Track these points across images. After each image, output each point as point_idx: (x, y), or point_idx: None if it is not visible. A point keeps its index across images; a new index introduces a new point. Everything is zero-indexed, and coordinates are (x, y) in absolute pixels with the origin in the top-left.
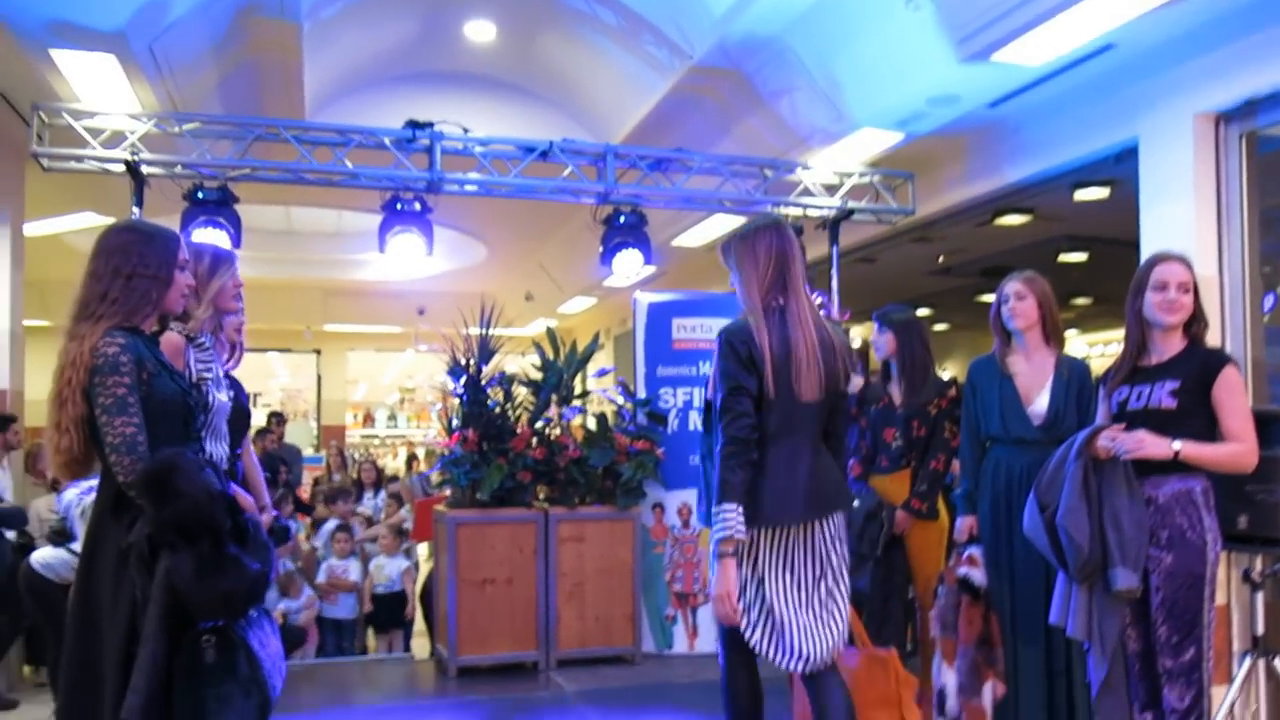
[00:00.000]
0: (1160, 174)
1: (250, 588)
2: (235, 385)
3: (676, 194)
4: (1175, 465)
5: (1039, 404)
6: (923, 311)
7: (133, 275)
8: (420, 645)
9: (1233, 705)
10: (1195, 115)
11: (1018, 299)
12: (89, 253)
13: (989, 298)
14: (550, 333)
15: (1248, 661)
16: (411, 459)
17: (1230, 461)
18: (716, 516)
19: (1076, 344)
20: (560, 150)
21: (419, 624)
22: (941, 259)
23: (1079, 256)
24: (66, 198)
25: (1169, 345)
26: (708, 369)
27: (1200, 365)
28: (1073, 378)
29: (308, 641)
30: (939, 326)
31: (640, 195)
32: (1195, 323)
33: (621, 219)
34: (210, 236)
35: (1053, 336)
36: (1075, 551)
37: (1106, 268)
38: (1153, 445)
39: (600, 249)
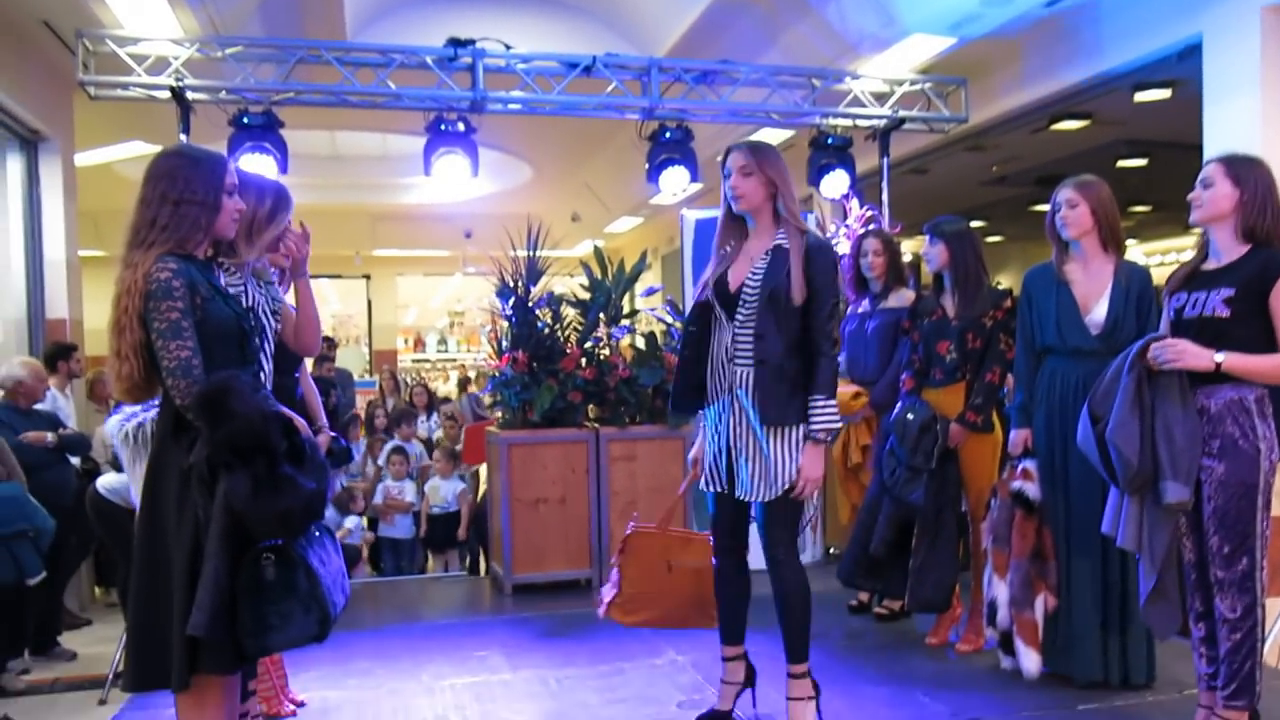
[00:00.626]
0: (1225, 71)
1: (306, 506)
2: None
3: (723, 107)
4: (1229, 375)
5: (1097, 313)
6: (976, 223)
7: (180, 201)
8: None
9: None
10: (1263, 8)
11: (1070, 206)
12: (139, 181)
13: (1044, 208)
14: (598, 252)
15: None
16: (465, 381)
17: (1277, 373)
18: (824, 410)
19: (1135, 253)
20: (604, 65)
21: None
22: (995, 168)
23: (1138, 162)
24: (115, 127)
25: (1229, 249)
26: None
27: (1259, 270)
28: (1132, 285)
29: (359, 561)
30: (993, 238)
31: (685, 110)
32: (1260, 223)
33: (667, 135)
34: (257, 163)
35: (1110, 243)
36: (1124, 466)
37: (1167, 173)
38: (1193, 356)
39: (646, 166)
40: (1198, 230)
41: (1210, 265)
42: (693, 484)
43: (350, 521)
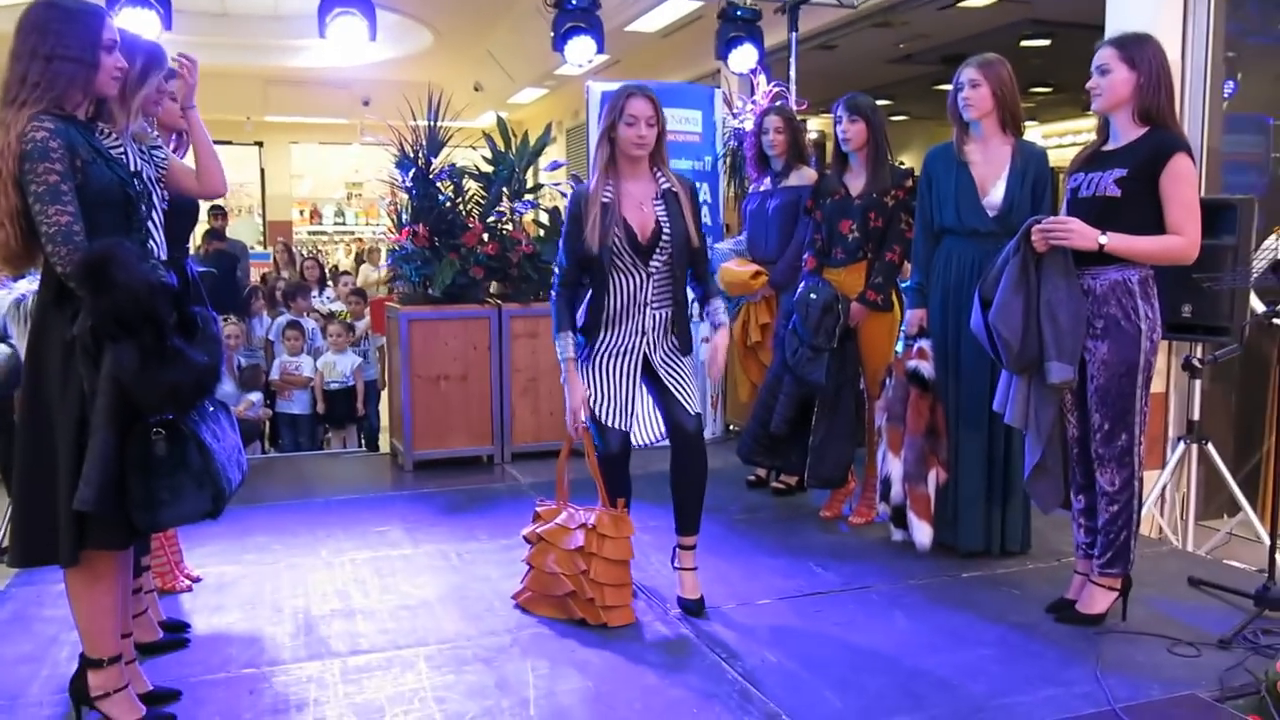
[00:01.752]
0: None
1: (197, 381)
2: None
3: None
4: (1114, 255)
5: (994, 194)
6: (881, 102)
7: (52, 57)
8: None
9: (1164, 489)
10: None
11: (972, 86)
12: (8, 33)
13: (948, 87)
14: (501, 123)
15: (1181, 447)
16: (361, 255)
17: (1162, 254)
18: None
19: (1035, 134)
20: None
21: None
22: (902, 46)
23: (1042, 43)
24: None
25: (1127, 131)
26: None
27: (1150, 152)
28: (1029, 167)
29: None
30: (897, 117)
31: None
32: (1154, 104)
33: (573, 1)
34: (138, 18)
35: (1010, 125)
36: (1006, 348)
37: (1069, 54)
38: (1079, 235)
39: (551, 35)
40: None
41: (1109, 147)
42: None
43: (253, 395)
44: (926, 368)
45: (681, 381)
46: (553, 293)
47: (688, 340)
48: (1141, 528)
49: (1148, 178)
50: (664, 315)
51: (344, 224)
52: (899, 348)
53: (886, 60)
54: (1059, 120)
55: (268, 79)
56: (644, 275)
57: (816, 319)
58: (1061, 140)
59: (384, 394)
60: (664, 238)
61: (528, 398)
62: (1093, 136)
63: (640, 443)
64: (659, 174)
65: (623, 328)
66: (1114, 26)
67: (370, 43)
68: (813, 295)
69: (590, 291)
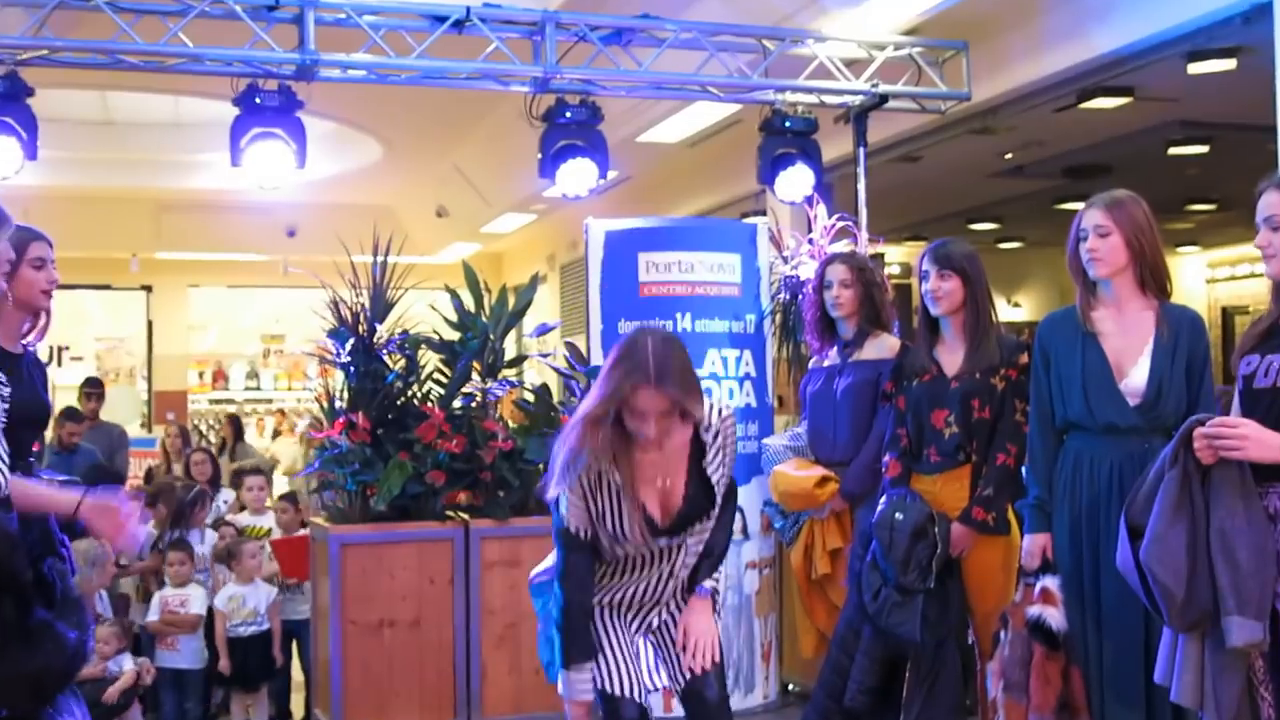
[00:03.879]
0: None
1: (67, 666)
2: (33, 366)
3: (643, 77)
4: None
5: (1135, 376)
6: (984, 226)
7: None
8: (300, 704)
9: None
10: None
11: (1099, 235)
12: None
13: (1075, 206)
14: (469, 273)
15: None
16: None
17: None
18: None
19: (1194, 265)
20: (480, 19)
21: (297, 674)
22: (1010, 156)
23: (1197, 149)
24: None
25: None
26: (687, 323)
27: None
28: (1180, 337)
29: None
30: (1007, 244)
31: (592, 80)
32: None
33: (568, 114)
34: None
35: (1151, 282)
36: (1166, 599)
37: (1233, 162)
38: (1258, 444)
39: (538, 156)
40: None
41: None
42: None
43: (126, 663)
44: (1055, 616)
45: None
46: (557, 564)
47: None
48: None
49: None
50: (680, 580)
51: (258, 389)
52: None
53: (989, 174)
54: (1225, 244)
55: (161, 204)
56: (667, 555)
57: (905, 548)
58: (1235, 271)
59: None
60: (701, 519)
61: (505, 651)
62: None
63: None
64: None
65: (629, 588)
66: None
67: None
68: (898, 515)
69: None
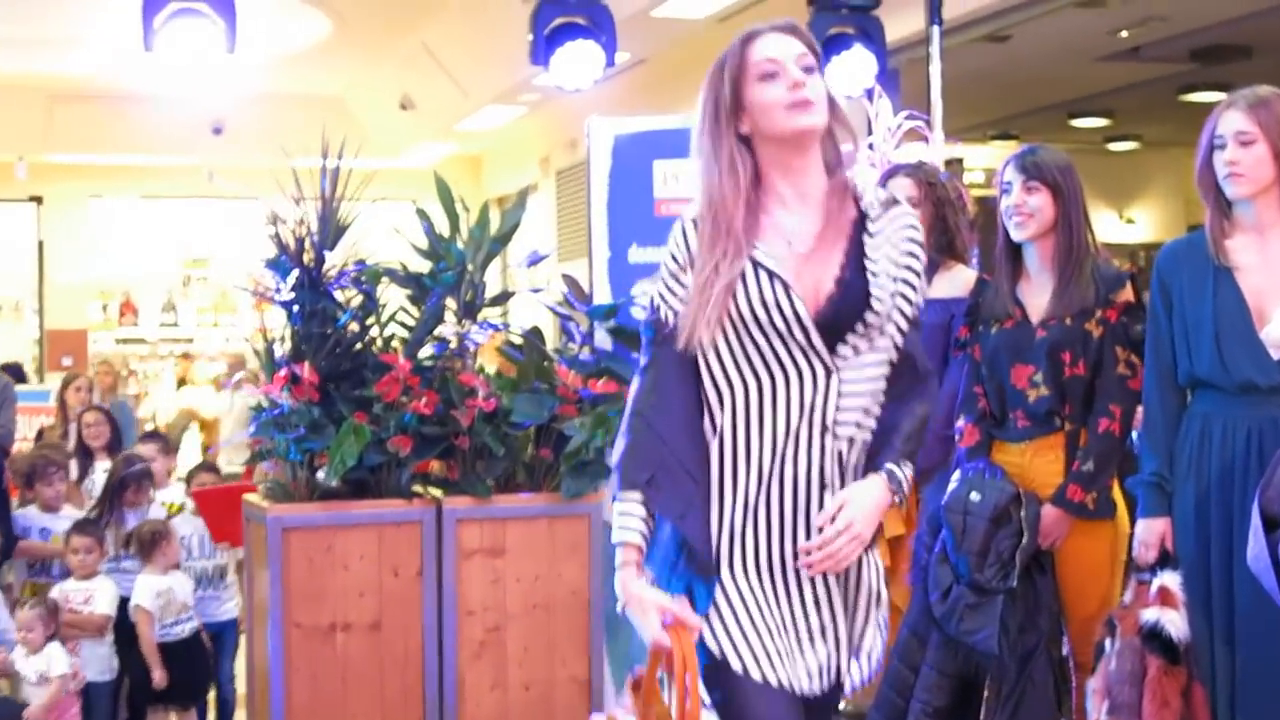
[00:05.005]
0: None
1: None
2: None
3: None
4: None
5: None
6: (1092, 122)
7: None
8: None
9: None
10: None
11: (1240, 143)
12: None
13: (1204, 97)
14: (441, 185)
15: None
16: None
17: None
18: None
19: None
20: None
21: (241, 685)
22: (1125, 34)
23: None
24: None
25: None
26: None
27: None
28: None
29: None
30: (1121, 144)
31: None
32: None
33: None
34: None
35: None
36: None
37: None
38: None
39: (528, 34)
40: None
41: None
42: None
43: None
44: (1175, 622)
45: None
46: (635, 385)
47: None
48: None
49: None
50: (840, 456)
51: (176, 326)
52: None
53: (1098, 57)
54: None
55: (54, 94)
56: (824, 370)
57: (982, 536)
58: None
59: (241, 645)
60: (871, 305)
61: (486, 661)
62: None
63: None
64: (842, 179)
65: (765, 485)
66: None
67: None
68: (974, 495)
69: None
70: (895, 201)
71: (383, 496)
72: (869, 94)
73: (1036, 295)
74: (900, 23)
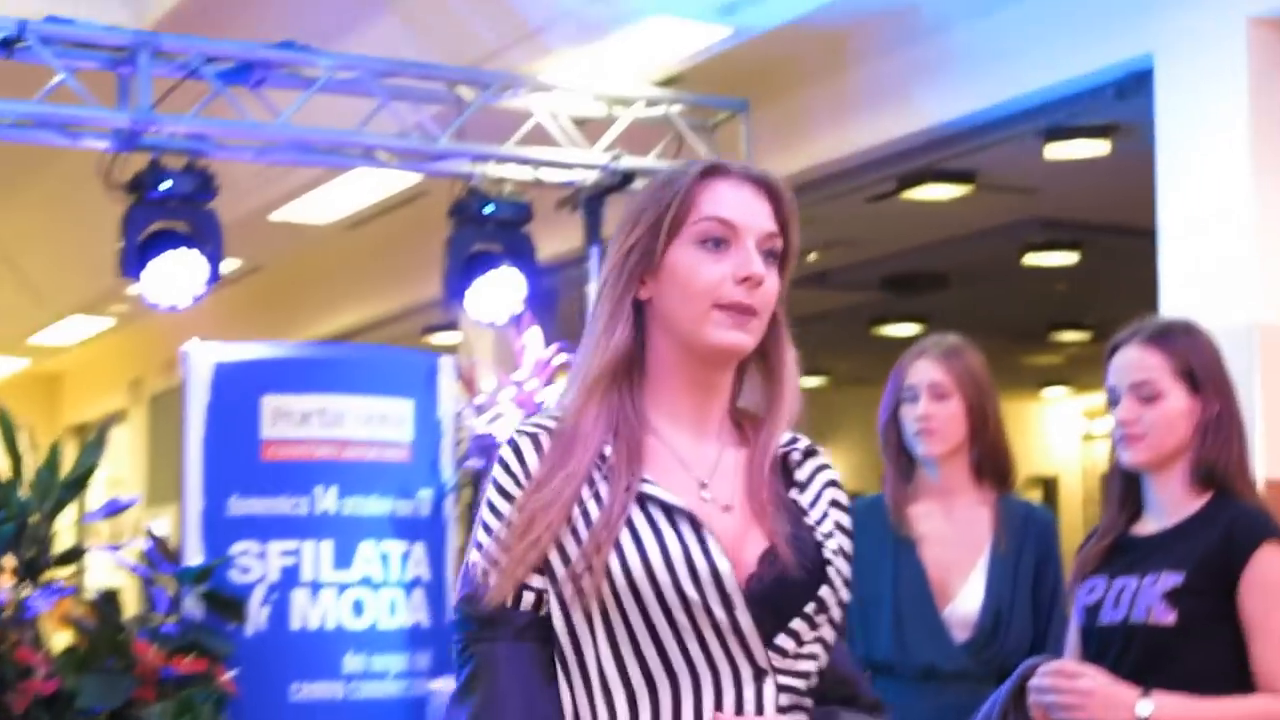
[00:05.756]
0: (1192, 112)
1: None
2: None
3: (281, 133)
4: None
5: (964, 601)
6: None
7: None
8: None
9: None
10: (1250, 19)
11: (934, 397)
12: None
13: (895, 331)
14: (2, 416)
15: None
16: None
17: None
18: None
19: (1063, 413)
20: (42, 40)
21: None
22: (812, 257)
23: (1063, 257)
24: None
25: (1177, 500)
26: (330, 502)
27: (1221, 544)
28: (1025, 546)
29: None
30: (809, 381)
31: (205, 135)
32: (1223, 455)
33: (166, 184)
34: None
35: (988, 468)
36: None
37: (1111, 275)
38: (1103, 703)
39: (119, 242)
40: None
41: (1146, 528)
42: None
43: None
44: None
45: None
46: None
47: None
48: None
49: (1220, 588)
50: None
51: None
52: None
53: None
54: (1100, 385)
55: None
56: (751, 670)
57: None
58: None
59: None
60: (827, 575)
61: None
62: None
63: None
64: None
65: None
66: (1170, 230)
67: None
68: None
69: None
70: (814, 451)
71: None
72: (517, 321)
73: None
74: (554, 239)
